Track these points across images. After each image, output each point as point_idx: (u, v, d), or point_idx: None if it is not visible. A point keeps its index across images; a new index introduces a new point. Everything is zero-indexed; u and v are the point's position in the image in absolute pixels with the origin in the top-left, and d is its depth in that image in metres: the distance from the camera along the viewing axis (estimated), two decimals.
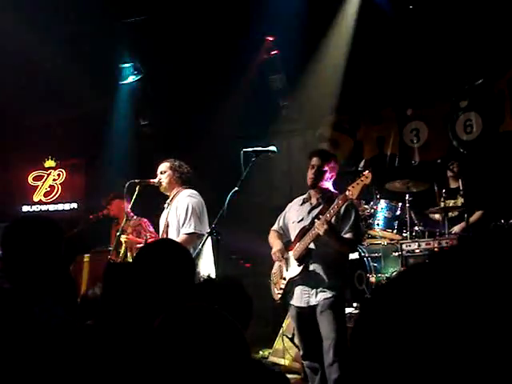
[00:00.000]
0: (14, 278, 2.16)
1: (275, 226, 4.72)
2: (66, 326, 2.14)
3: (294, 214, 4.56)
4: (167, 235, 4.85)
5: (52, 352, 2.01)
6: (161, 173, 5.06)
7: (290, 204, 4.71)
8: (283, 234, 4.65)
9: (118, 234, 5.33)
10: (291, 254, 4.39)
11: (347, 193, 4.04)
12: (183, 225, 4.78)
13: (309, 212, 4.42)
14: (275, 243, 4.57)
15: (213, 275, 4.62)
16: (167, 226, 4.93)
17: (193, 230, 4.73)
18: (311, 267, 4.26)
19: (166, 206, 5.07)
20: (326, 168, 4.39)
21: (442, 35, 7.15)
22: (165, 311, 1.50)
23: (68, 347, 2.03)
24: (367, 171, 4.10)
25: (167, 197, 5.09)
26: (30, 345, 2.01)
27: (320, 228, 4.06)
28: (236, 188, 4.29)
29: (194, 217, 4.78)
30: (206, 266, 4.77)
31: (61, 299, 2.26)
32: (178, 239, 4.65)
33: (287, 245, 4.53)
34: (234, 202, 4.24)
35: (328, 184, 4.43)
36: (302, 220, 4.43)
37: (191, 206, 4.82)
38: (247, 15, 7.04)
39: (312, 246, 4.24)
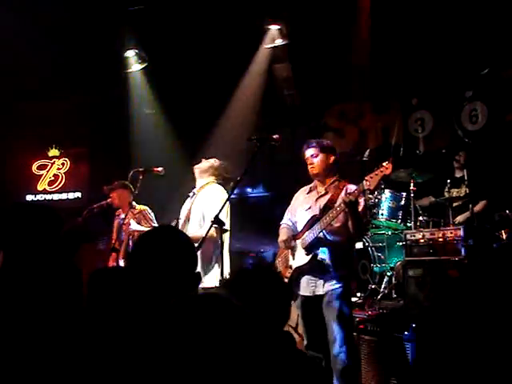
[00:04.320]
0: (11, 267, 2.16)
1: (284, 220, 4.65)
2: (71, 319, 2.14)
3: (302, 203, 4.51)
4: (188, 223, 4.74)
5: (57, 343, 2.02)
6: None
7: (295, 195, 4.67)
8: (292, 226, 4.59)
9: (120, 222, 5.33)
10: (298, 243, 4.36)
11: (365, 183, 3.97)
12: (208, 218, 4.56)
13: (316, 200, 4.39)
14: (282, 232, 4.55)
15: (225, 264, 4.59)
16: (189, 214, 4.80)
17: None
18: (319, 256, 4.24)
19: (191, 194, 4.93)
20: (322, 154, 4.34)
21: (448, 24, 7.10)
22: (166, 302, 1.48)
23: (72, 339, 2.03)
24: (387, 162, 3.99)
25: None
26: (33, 338, 2.01)
27: (346, 199, 3.98)
28: (240, 177, 4.25)
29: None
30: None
31: (65, 289, 2.25)
32: (205, 231, 4.28)
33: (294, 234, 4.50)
34: (238, 191, 4.21)
35: (330, 168, 4.40)
36: (309, 208, 4.39)
37: (220, 200, 4.59)
38: (253, 3, 7.00)
39: (321, 235, 4.22)
